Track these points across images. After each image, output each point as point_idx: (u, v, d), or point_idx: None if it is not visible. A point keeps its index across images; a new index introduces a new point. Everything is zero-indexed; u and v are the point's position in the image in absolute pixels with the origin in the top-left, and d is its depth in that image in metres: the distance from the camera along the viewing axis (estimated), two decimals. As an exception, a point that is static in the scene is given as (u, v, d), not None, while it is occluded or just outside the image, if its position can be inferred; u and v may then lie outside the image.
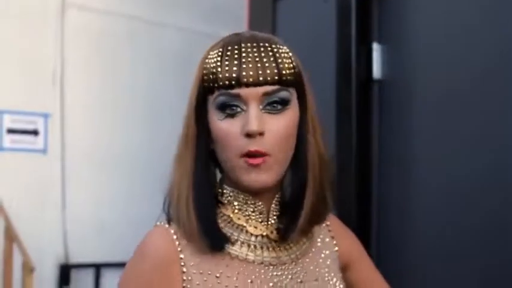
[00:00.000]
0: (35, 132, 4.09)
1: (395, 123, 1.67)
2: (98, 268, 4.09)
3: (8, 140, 4.02)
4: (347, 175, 1.68)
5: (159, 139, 3.96)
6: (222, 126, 0.94)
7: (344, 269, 1.11)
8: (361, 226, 1.68)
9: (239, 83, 0.93)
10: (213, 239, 0.95)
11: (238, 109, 0.94)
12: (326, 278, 1.03)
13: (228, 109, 0.94)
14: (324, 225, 1.09)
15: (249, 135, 0.92)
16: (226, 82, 0.93)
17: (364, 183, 1.69)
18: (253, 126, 0.91)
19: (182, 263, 0.95)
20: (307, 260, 1.02)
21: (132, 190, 4.25)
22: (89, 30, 4.25)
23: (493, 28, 1.47)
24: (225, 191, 1.00)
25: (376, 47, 1.71)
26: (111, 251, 4.02)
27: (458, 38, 1.54)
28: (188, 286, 0.94)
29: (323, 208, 1.02)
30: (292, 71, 0.96)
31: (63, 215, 4.09)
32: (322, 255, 1.06)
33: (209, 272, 0.95)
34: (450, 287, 1.52)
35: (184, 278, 0.95)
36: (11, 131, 4.02)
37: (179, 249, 0.95)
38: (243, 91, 0.93)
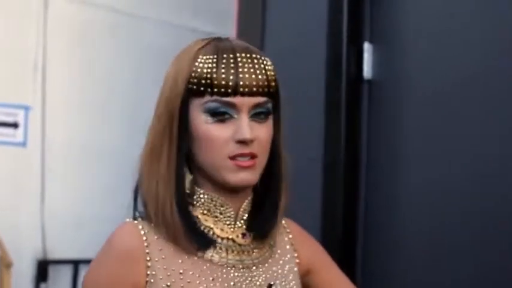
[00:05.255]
0: (15, 125, 4.05)
1: (385, 123, 1.67)
2: (76, 264, 4.04)
3: (-13, 132, 3.97)
4: (335, 175, 1.68)
5: (140, 134, 3.90)
6: (211, 130, 0.98)
7: (306, 275, 1.14)
8: (349, 226, 1.67)
9: (235, 92, 0.97)
10: (198, 241, 0.99)
11: (229, 116, 0.98)
12: (283, 283, 1.07)
13: (219, 115, 0.98)
14: (284, 232, 1.13)
15: (240, 142, 0.97)
16: (222, 90, 0.97)
17: (353, 183, 1.69)
18: (247, 135, 0.97)
19: (148, 258, 0.99)
20: (267, 265, 1.06)
21: (111, 185, 4.21)
22: (71, 23, 4.20)
23: (484, 29, 1.47)
24: (196, 191, 1.03)
25: (367, 47, 1.71)
26: (90, 247, 3.97)
27: (449, 39, 1.54)
28: (152, 280, 0.98)
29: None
30: (275, 83, 1.01)
31: (41, 209, 4.04)
32: (281, 261, 1.09)
33: (173, 268, 0.99)
34: (437, 285, 1.52)
35: (149, 272, 0.99)
36: (-10, 123, 3.97)
37: (145, 244, 0.99)
38: (237, 100, 0.97)
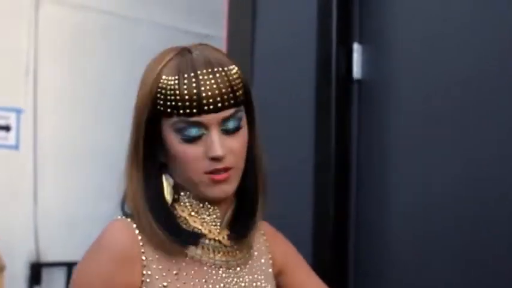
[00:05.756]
0: (7, 128, 4.03)
1: (375, 123, 1.68)
2: (69, 267, 4.03)
3: (-21, 135, 3.95)
4: (325, 175, 1.68)
5: (133, 136, 3.91)
6: (183, 149, 1.00)
7: (278, 275, 1.16)
8: (340, 225, 1.68)
9: (200, 111, 0.97)
10: (183, 239, 1.00)
11: (199, 133, 0.99)
12: (263, 285, 1.10)
13: (188, 134, 0.99)
14: (259, 234, 1.14)
15: (214, 159, 0.99)
16: (187, 110, 0.98)
17: (344, 183, 1.69)
18: (218, 152, 0.98)
19: (143, 257, 0.99)
20: (248, 266, 1.09)
21: (104, 186, 4.19)
22: (63, 26, 4.19)
23: (474, 29, 1.48)
24: (181, 196, 1.04)
25: (356, 47, 1.71)
26: (84, 249, 3.96)
27: (438, 39, 1.55)
28: (148, 280, 0.98)
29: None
30: (242, 90, 1.02)
31: (34, 212, 4.03)
32: (259, 263, 1.12)
33: (168, 269, 1.00)
34: (429, 283, 1.52)
35: (144, 272, 0.99)
36: (-18, 127, 3.95)
37: (141, 243, 0.99)
38: (204, 118, 0.98)
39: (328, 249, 1.66)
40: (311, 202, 1.70)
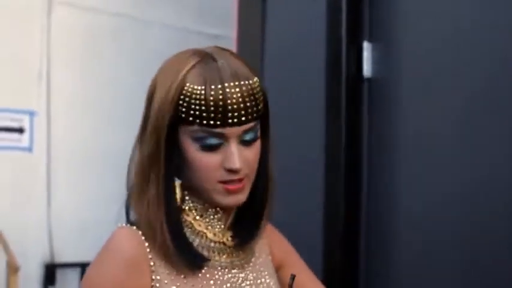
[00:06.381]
0: (20, 130, 4.05)
1: (386, 122, 1.67)
2: (83, 267, 4.05)
3: (-7, 137, 3.98)
4: (336, 174, 1.68)
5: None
6: (201, 158, 0.99)
7: (277, 269, 1.18)
8: (350, 224, 1.67)
9: (223, 124, 0.97)
10: (191, 263, 1.01)
11: (218, 143, 0.99)
12: (267, 281, 1.11)
13: (208, 144, 0.99)
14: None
15: (230, 170, 0.99)
16: (211, 122, 0.97)
17: (354, 183, 1.69)
18: (237, 165, 0.98)
19: (152, 263, 1.00)
20: (251, 264, 1.10)
21: (117, 188, 4.22)
22: (75, 28, 4.22)
23: (484, 27, 1.47)
24: (186, 199, 1.05)
25: (366, 46, 1.70)
26: (97, 250, 3.98)
27: (449, 37, 1.54)
28: (157, 285, 0.99)
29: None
30: (263, 103, 1.02)
31: (48, 213, 4.05)
32: (261, 259, 1.13)
33: (176, 273, 1.00)
34: (438, 284, 1.52)
35: (153, 277, 0.99)
36: (-4, 129, 3.98)
37: (148, 249, 1.00)
38: (227, 130, 0.98)
39: (339, 250, 1.66)
40: (321, 202, 1.70)
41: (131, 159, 1.06)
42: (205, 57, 1.01)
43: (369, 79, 1.70)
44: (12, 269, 3.45)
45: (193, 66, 0.99)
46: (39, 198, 4.03)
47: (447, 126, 1.53)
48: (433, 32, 1.58)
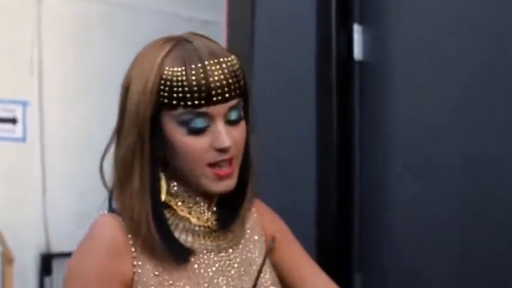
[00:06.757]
0: (13, 121, 4.04)
1: (377, 105, 1.66)
2: (80, 257, 4.06)
3: (-14, 128, 3.97)
4: (328, 158, 1.68)
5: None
6: (189, 142, 0.98)
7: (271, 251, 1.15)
8: (344, 207, 1.67)
9: (208, 102, 0.96)
10: (176, 255, 1.00)
11: (205, 125, 0.98)
12: (257, 263, 1.09)
13: (195, 127, 0.98)
14: (251, 211, 1.14)
15: (220, 150, 0.98)
16: (196, 102, 0.96)
17: (346, 165, 1.68)
18: (226, 143, 0.98)
19: (133, 249, 0.99)
20: (241, 246, 1.09)
21: (112, 177, 4.22)
22: (66, 17, 4.19)
23: (477, 10, 1.46)
24: (170, 184, 1.03)
25: (357, 28, 1.69)
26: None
27: (440, 19, 1.53)
28: (139, 270, 0.99)
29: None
30: (243, 81, 1.01)
31: (43, 203, 4.05)
32: (252, 240, 1.12)
33: (158, 258, 1.00)
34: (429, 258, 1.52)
35: (135, 263, 0.99)
36: (-12, 120, 3.97)
37: (129, 235, 0.99)
38: (211, 109, 0.97)
39: (332, 230, 1.66)
40: (314, 186, 1.70)
41: (104, 153, 1.07)
42: (179, 41, 1.01)
43: (360, 62, 1.69)
44: (7, 260, 3.45)
45: (169, 51, 0.99)
46: (34, 188, 4.03)
47: (439, 109, 1.53)
48: (425, 14, 1.57)
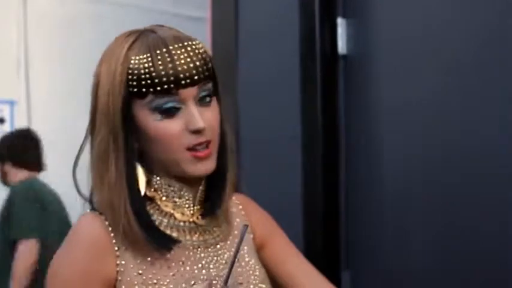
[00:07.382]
0: (1, 120, 4.04)
1: (362, 99, 1.66)
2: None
3: (-27, 128, 3.96)
4: (313, 153, 1.67)
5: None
6: (163, 127, 0.98)
7: (260, 248, 1.15)
8: (330, 202, 1.67)
9: (177, 86, 0.97)
10: (159, 243, 0.99)
11: (176, 108, 0.98)
12: (246, 259, 1.09)
13: (167, 107, 0.98)
14: (236, 207, 1.14)
15: (195, 132, 0.98)
16: (165, 86, 0.97)
17: (332, 160, 1.67)
18: (200, 124, 0.98)
19: (116, 248, 0.99)
20: (229, 242, 1.08)
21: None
22: (51, 16, 4.18)
23: (460, 3, 1.45)
24: (152, 179, 1.03)
25: (340, 22, 1.68)
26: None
27: (424, 12, 1.52)
28: (122, 269, 0.99)
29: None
30: (210, 64, 1.01)
31: (31, 203, 4.02)
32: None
33: (142, 256, 0.99)
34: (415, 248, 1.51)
35: (118, 262, 0.98)
36: (-24, 120, 3.97)
37: (112, 234, 0.99)
38: (180, 92, 0.98)
39: (319, 227, 1.66)
40: (300, 181, 1.69)
41: (78, 155, 1.07)
42: (143, 32, 1.02)
43: (344, 56, 1.68)
44: None
45: (133, 42, 1.00)
46: (22, 188, 4.00)
47: (424, 103, 1.52)
48: (408, 6, 1.56)
